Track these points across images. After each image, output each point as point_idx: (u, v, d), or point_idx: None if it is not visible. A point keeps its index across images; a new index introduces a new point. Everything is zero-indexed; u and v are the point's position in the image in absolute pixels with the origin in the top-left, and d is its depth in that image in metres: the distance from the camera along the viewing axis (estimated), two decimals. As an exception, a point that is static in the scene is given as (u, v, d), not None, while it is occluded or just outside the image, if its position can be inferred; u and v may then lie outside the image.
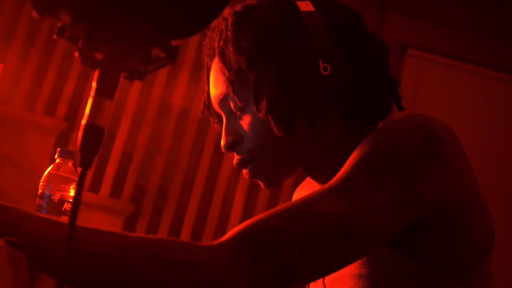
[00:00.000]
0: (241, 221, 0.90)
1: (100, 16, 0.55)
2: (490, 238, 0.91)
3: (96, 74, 0.57)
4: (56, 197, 1.19)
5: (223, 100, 0.99)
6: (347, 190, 0.80)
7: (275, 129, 0.93)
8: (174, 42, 0.60)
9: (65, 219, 1.09)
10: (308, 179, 1.13)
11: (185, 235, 2.81)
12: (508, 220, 3.44)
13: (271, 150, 0.96)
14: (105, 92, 0.56)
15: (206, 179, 2.90)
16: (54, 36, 0.58)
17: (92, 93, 0.56)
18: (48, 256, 0.68)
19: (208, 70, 1.05)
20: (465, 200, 0.87)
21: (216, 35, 1.00)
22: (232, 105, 0.98)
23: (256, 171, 0.98)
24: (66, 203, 1.20)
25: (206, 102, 1.07)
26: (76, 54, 0.57)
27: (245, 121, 0.97)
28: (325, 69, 0.91)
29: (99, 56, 0.57)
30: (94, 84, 0.56)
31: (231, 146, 0.99)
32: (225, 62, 0.96)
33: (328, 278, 0.98)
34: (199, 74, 3.31)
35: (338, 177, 0.83)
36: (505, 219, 3.43)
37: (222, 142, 1.00)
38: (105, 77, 0.56)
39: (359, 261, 0.90)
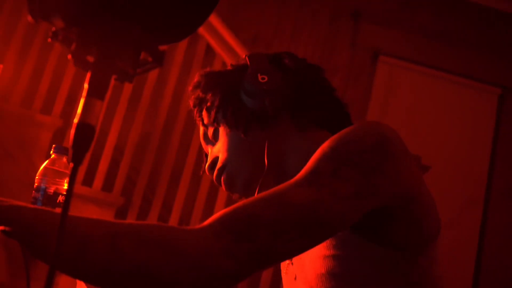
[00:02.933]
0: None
1: (92, 21, 0.54)
2: (437, 224, 0.97)
3: (88, 75, 0.56)
4: (51, 190, 1.18)
5: (205, 137, 1.16)
6: (313, 181, 0.84)
7: (233, 132, 1.08)
8: (161, 47, 0.59)
9: (59, 210, 1.08)
10: None
11: (172, 224, 2.81)
12: (470, 212, 3.47)
13: (237, 155, 1.08)
14: (96, 93, 0.55)
15: (192, 173, 2.89)
16: (49, 40, 0.57)
17: (84, 93, 0.56)
18: (41, 243, 0.68)
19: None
20: (414, 191, 0.92)
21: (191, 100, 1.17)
22: (209, 137, 1.14)
23: (229, 176, 1.09)
24: (60, 195, 1.19)
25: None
26: (69, 56, 0.56)
27: (218, 144, 1.12)
28: (262, 78, 1.05)
29: (90, 58, 0.56)
30: (86, 85, 0.56)
31: (210, 166, 1.13)
32: (196, 109, 1.15)
33: (298, 259, 1.03)
34: (187, 76, 3.31)
35: (304, 170, 0.87)
36: (469, 209, 3.47)
37: (206, 166, 1.15)
38: (96, 78, 0.56)
39: (325, 244, 0.94)
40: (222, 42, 2.91)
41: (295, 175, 0.88)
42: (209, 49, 2.99)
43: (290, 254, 0.83)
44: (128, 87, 2.97)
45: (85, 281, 0.77)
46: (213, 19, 2.88)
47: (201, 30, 2.91)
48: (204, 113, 1.13)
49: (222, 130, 1.10)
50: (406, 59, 3.64)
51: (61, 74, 2.99)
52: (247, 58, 1.11)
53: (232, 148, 1.08)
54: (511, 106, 3.60)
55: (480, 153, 3.57)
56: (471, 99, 3.62)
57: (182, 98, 2.96)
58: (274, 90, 1.04)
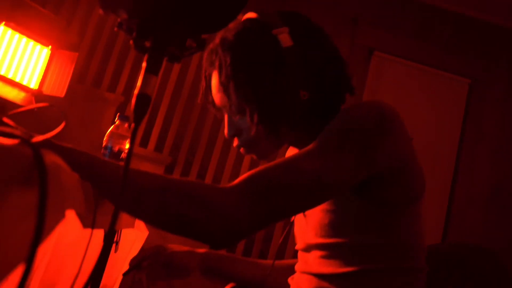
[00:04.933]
0: (249, 170, 0.91)
1: (149, 14, 0.55)
2: (421, 187, 0.92)
3: (145, 57, 0.57)
4: (116, 148, 1.20)
5: (223, 106, 0.97)
6: (321, 153, 0.80)
7: (265, 134, 0.92)
8: (203, 36, 0.59)
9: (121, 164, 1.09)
10: None
11: (207, 181, 2.83)
12: (441, 175, 3.45)
13: (263, 143, 0.96)
14: (152, 70, 0.56)
15: (224, 141, 2.91)
16: (115, 29, 0.58)
17: (142, 71, 0.56)
18: (108, 188, 0.68)
19: (207, 72, 0.99)
20: (405, 161, 0.87)
21: (216, 56, 0.94)
22: (232, 107, 0.94)
23: (250, 151, 0.98)
24: (122, 153, 1.20)
25: (205, 95, 1.02)
26: (131, 42, 0.57)
27: (243, 123, 0.95)
28: (304, 95, 0.89)
29: (148, 44, 0.57)
30: (144, 64, 0.56)
31: (232, 136, 0.98)
32: (224, 82, 0.92)
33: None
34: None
35: (315, 143, 0.83)
36: (441, 174, 3.44)
37: (225, 132, 0.98)
38: (152, 59, 0.56)
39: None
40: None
41: None
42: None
43: (299, 211, 0.82)
44: (175, 71, 2.97)
45: (140, 220, 0.78)
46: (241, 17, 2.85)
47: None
48: (231, 94, 0.92)
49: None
50: (394, 55, 3.59)
51: (123, 61, 3.00)
52: (286, 56, 0.88)
53: (259, 137, 0.94)
54: (478, 94, 3.55)
55: (452, 130, 3.53)
56: (446, 87, 3.57)
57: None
58: (312, 105, 0.91)
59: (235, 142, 0.98)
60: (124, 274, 1.10)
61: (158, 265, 1.10)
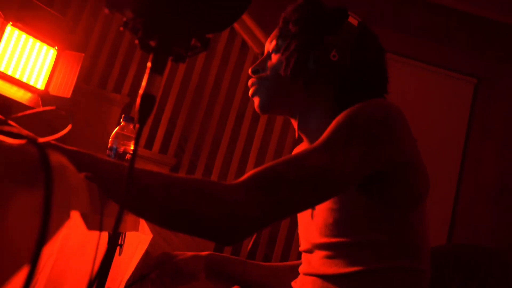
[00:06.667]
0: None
1: (155, 14, 0.55)
2: (426, 187, 0.94)
3: (150, 57, 0.57)
4: (121, 149, 1.19)
5: (271, 41, 1.09)
6: (329, 149, 0.82)
7: (284, 69, 1.01)
8: (207, 35, 0.59)
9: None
10: (303, 143, 1.13)
11: (212, 182, 2.82)
12: (447, 176, 3.44)
13: (275, 83, 1.03)
14: (157, 70, 0.56)
15: (228, 143, 2.90)
16: (121, 28, 0.58)
17: (147, 70, 0.56)
18: (113, 187, 0.68)
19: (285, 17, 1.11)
20: (410, 160, 0.89)
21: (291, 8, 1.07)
22: (271, 48, 1.07)
23: (258, 91, 1.06)
24: (127, 154, 1.20)
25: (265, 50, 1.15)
26: (136, 41, 0.57)
27: (272, 61, 1.06)
28: (334, 56, 0.98)
29: (153, 43, 0.56)
30: (149, 64, 0.56)
31: (254, 71, 1.07)
32: (284, 23, 1.05)
33: (310, 210, 1.00)
34: (225, 65, 3.27)
35: (322, 139, 0.84)
36: (446, 175, 3.43)
37: (252, 67, 1.08)
38: (157, 59, 0.56)
39: (332, 199, 0.93)
40: (254, 38, 2.89)
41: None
42: (244, 44, 2.98)
43: (305, 207, 0.82)
44: (180, 73, 2.97)
45: (146, 219, 0.77)
46: (247, 19, 2.85)
47: (238, 28, 2.89)
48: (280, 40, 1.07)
49: (280, 59, 1.04)
50: (398, 54, 3.58)
51: (129, 63, 3.01)
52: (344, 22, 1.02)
53: (275, 76, 1.05)
54: (483, 93, 3.53)
55: (457, 130, 3.51)
56: (452, 86, 3.56)
57: (222, 83, 2.96)
58: (334, 68, 0.99)
59: (251, 81, 1.08)
60: (127, 287, 1.09)
61: (165, 275, 1.09)
